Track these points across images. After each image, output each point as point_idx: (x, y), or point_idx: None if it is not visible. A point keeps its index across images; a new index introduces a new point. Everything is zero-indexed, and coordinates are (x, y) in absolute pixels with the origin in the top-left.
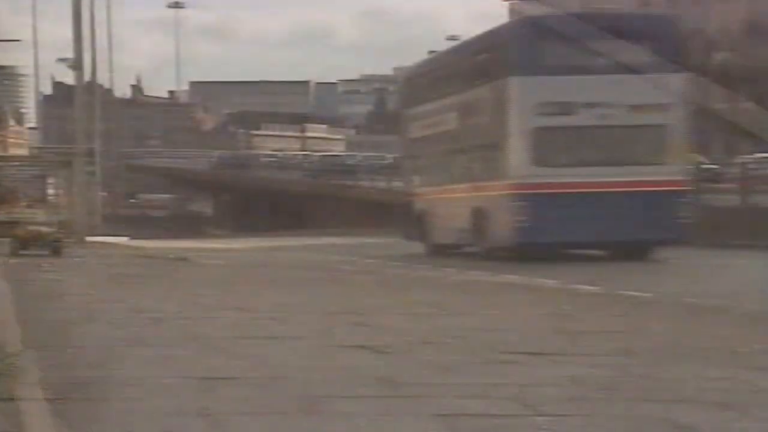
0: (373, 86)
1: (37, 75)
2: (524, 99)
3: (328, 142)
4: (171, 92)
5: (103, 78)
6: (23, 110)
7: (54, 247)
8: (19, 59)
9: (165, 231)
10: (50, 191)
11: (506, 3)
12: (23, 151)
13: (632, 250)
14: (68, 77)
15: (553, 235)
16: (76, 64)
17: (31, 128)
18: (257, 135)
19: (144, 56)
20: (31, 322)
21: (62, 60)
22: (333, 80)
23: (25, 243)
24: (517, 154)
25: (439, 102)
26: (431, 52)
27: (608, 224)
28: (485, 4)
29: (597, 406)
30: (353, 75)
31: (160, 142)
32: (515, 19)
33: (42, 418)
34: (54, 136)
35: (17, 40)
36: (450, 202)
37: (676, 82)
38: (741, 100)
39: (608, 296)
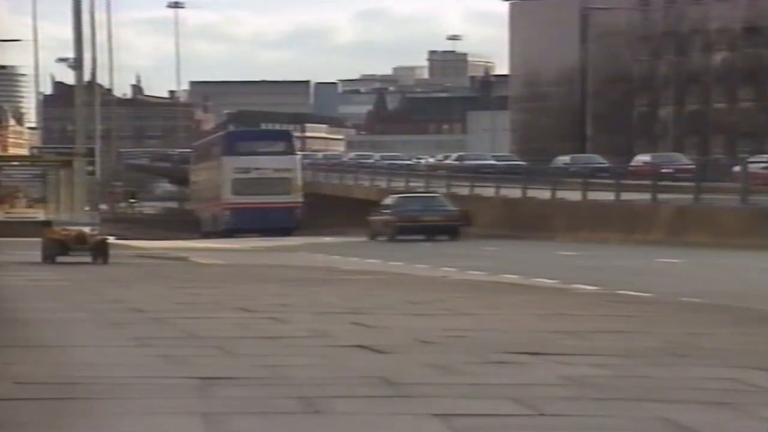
0: (373, 86)
1: (37, 75)
2: (228, 166)
3: (328, 141)
4: (171, 92)
5: (103, 78)
6: (23, 110)
7: (100, 252)
8: (19, 59)
9: (165, 231)
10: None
11: (506, 2)
12: (23, 151)
13: (278, 234)
14: (68, 77)
15: (242, 225)
16: (77, 64)
17: (31, 128)
18: None
19: (144, 56)
20: (31, 322)
21: (62, 60)
22: (333, 80)
23: (65, 246)
24: (226, 189)
25: (201, 164)
26: (432, 52)
27: (266, 221)
28: (483, 3)
29: (597, 406)
30: (353, 75)
31: (160, 142)
32: (226, 131)
33: (39, 417)
34: (54, 136)
35: (17, 40)
36: (206, 210)
37: (293, 159)
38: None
39: (608, 296)
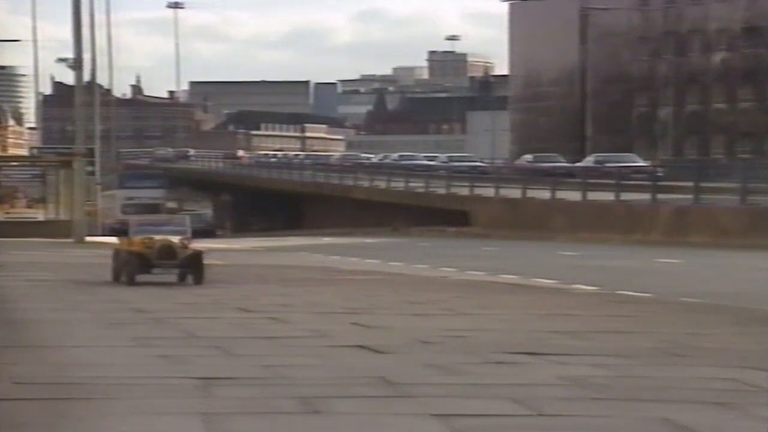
0: (373, 86)
1: (37, 75)
2: (120, 196)
3: (327, 141)
4: (171, 92)
5: (103, 78)
6: (23, 110)
7: (192, 270)
8: (19, 59)
9: None
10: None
11: (505, 2)
12: (23, 151)
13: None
14: (68, 77)
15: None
16: (76, 64)
17: (30, 128)
18: (257, 135)
19: (144, 56)
20: (31, 322)
21: (62, 60)
22: (332, 80)
23: (147, 262)
24: (117, 210)
25: (105, 192)
26: (431, 52)
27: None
28: (482, 3)
29: (597, 406)
30: (352, 75)
31: (160, 142)
32: (120, 173)
33: (41, 417)
34: (54, 136)
35: (17, 40)
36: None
37: (162, 192)
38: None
39: (608, 296)
